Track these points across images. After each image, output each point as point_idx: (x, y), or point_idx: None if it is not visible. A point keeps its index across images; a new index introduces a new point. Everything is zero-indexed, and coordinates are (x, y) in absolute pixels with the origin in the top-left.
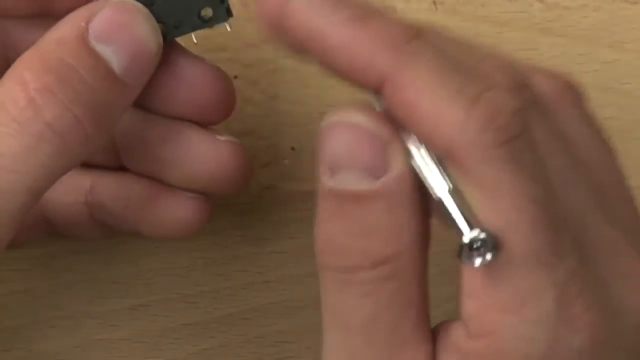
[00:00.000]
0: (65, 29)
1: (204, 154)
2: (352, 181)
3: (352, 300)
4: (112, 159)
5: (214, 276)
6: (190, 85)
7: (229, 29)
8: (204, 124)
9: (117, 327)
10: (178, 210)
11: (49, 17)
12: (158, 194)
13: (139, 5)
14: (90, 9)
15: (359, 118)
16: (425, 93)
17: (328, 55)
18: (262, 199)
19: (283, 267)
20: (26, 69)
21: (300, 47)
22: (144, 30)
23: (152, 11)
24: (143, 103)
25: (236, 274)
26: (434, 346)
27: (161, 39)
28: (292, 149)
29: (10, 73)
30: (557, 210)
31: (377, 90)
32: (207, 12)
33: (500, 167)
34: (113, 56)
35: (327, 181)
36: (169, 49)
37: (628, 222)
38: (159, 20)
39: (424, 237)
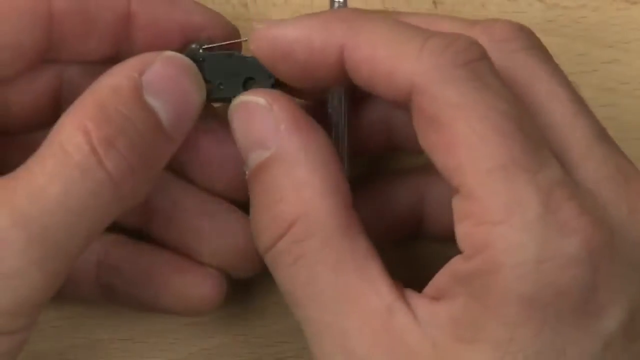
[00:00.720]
0: (120, 78)
1: (234, 228)
2: (255, 159)
3: (287, 273)
4: (135, 220)
5: None
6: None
7: None
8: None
9: (117, 327)
10: (201, 286)
11: (112, 63)
12: (182, 267)
13: (189, 61)
14: (143, 60)
15: (247, 100)
16: (379, 44)
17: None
18: None
19: None
20: (88, 119)
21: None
22: (192, 87)
23: (200, 68)
24: (184, 171)
25: None
26: (392, 295)
27: (205, 97)
28: None
29: (71, 118)
30: (529, 124)
31: (339, 65)
32: (252, 83)
33: (464, 86)
34: (162, 109)
35: (243, 157)
36: (207, 111)
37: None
38: (205, 79)
39: (337, 190)
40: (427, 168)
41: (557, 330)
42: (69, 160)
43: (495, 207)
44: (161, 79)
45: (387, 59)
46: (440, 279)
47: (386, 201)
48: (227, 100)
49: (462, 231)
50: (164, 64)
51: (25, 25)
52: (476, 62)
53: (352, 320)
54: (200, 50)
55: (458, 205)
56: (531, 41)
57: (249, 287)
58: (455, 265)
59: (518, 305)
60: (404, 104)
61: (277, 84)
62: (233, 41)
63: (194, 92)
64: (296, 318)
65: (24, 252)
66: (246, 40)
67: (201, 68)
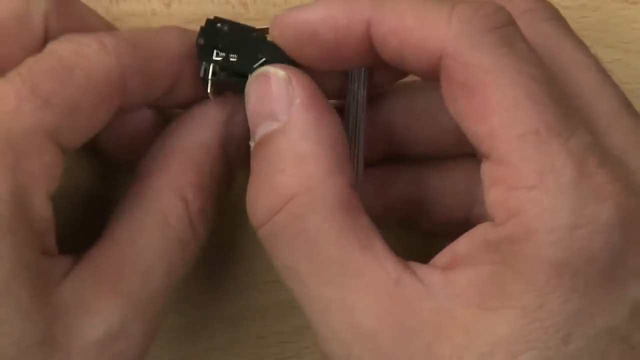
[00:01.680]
0: (209, 135)
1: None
2: (262, 130)
3: (287, 248)
4: None
5: (214, 276)
6: None
7: None
8: None
9: None
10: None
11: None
12: None
13: None
14: (227, 109)
15: (263, 74)
16: (406, 14)
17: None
18: None
19: None
20: (187, 186)
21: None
22: None
23: (214, 40)
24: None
25: (236, 275)
26: (399, 272)
27: None
28: None
29: (171, 183)
30: (559, 90)
31: (365, 42)
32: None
33: (494, 51)
34: (236, 156)
35: (251, 128)
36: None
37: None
38: (219, 48)
39: (341, 169)
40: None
41: (585, 296)
42: (172, 233)
43: (528, 172)
44: (240, 130)
45: (415, 28)
46: (460, 246)
47: (386, 186)
48: (230, 75)
49: (493, 197)
50: (244, 113)
51: (105, 102)
52: (505, 28)
53: (359, 295)
54: (218, 25)
55: (488, 171)
56: (553, 12)
57: (249, 287)
58: (481, 232)
59: (549, 271)
60: (432, 74)
61: None
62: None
63: None
64: (296, 295)
65: (142, 342)
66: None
67: (216, 39)
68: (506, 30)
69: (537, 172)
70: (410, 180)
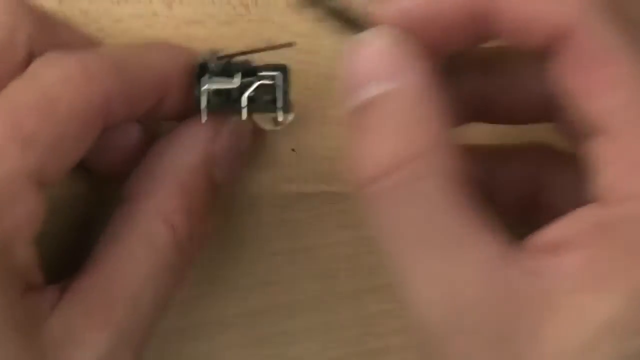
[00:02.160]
0: (196, 158)
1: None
2: (373, 90)
3: (395, 212)
4: None
5: (214, 277)
6: None
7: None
8: None
9: None
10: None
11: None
12: None
13: (249, 126)
14: (213, 131)
15: (369, 37)
16: None
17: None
18: (262, 199)
19: (283, 269)
20: (175, 212)
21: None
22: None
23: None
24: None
25: (236, 276)
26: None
27: None
28: (293, 150)
29: (158, 208)
30: None
31: (476, 18)
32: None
33: (623, 29)
34: (221, 176)
35: (351, 103)
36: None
37: None
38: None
39: (450, 138)
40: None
41: None
42: (160, 259)
43: None
44: (226, 151)
45: (535, 4)
46: (565, 229)
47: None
48: (223, 101)
49: (609, 177)
50: (229, 134)
51: (88, 129)
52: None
53: (464, 267)
54: (215, 61)
55: (604, 149)
56: None
57: (249, 288)
58: (590, 213)
59: None
60: (543, 47)
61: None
62: (248, 51)
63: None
64: (395, 263)
65: None
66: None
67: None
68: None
69: None
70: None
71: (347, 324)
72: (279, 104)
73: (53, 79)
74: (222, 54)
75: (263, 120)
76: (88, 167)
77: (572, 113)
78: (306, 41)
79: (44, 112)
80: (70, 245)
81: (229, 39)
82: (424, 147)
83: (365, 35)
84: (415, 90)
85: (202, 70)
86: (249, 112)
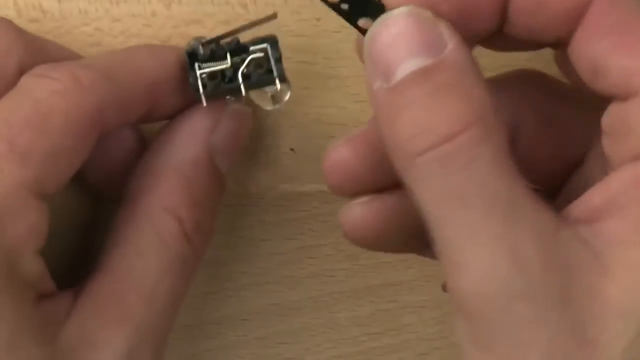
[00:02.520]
0: (197, 150)
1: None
2: (415, 65)
3: (454, 177)
4: None
5: (214, 277)
6: None
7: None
8: None
9: None
10: None
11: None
12: None
13: (248, 110)
14: (212, 119)
15: (396, 16)
16: None
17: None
18: (262, 199)
19: (282, 269)
20: (180, 205)
21: None
22: (247, 133)
23: (194, 62)
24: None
25: (236, 275)
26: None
27: None
28: (292, 149)
29: (163, 202)
30: None
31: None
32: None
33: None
34: (224, 164)
35: (387, 83)
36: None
37: None
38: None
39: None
40: None
41: None
42: (169, 253)
43: None
44: (227, 139)
45: None
46: (604, 193)
47: None
48: (219, 83)
49: None
50: (229, 120)
51: (83, 140)
52: None
53: (523, 231)
54: (200, 46)
55: (638, 108)
56: None
57: (249, 288)
58: (627, 173)
59: None
60: (561, 31)
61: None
62: (232, 31)
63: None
64: (449, 223)
65: None
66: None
67: (196, 61)
68: None
69: None
70: None
71: (346, 323)
72: (275, 72)
73: (45, 92)
74: (206, 39)
75: (262, 100)
76: (84, 180)
77: (600, 81)
78: (306, 41)
79: (37, 125)
80: (78, 249)
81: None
82: (478, 113)
83: (391, 15)
84: (458, 61)
85: (191, 58)
86: (247, 89)
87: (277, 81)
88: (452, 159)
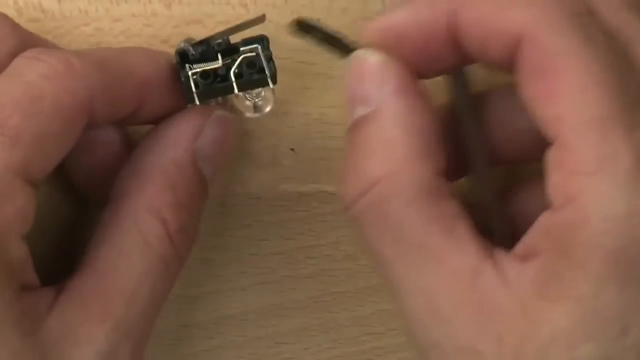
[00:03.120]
0: (181, 152)
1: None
2: (356, 114)
3: (373, 231)
4: None
5: (214, 277)
6: None
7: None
8: None
9: None
10: None
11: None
12: None
13: (232, 117)
14: (195, 123)
15: (353, 60)
16: (491, 3)
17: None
18: (262, 199)
19: (282, 269)
20: (164, 206)
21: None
22: (231, 140)
23: (186, 64)
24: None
25: (236, 275)
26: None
27: None
28: (292, 149)
29: (147, 204)
30: (631, 81)
31: (450, 38)
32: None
33: (572, 37)
34: (209, 171)
35: (348, 114)
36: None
37: None
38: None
39: (429, 156)
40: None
41: None
42: (153, 254)
43: (588, 158)
44: (211, 144)
45: (496, 13)
46: (529, 236)
47: None
48: (211, 83)
49: (553, 182)
50: (214, 126)
51: (72, 126)
52: (584, 16)
53: (439, 280)
54: (191, 47)
55: (552, 156)
56: (632, 1)
57: (248, 288)
58: (543, 219)
59: (604, 259)
60: (510, 63)
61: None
62: (221, 32)
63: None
64: (381, 276)
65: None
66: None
67: (187, 62)
68: (585, 19)
69: (597, 159)
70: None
71: (346, 323)
72: (267, 71)
73: (36, 75)
74: (197, 40)
75: (244, 108)
76: (71, 181)
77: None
78: (305, 41)
79: (28, 108)
80: (62, 249)
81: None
82: (390, 169)
83: (350, 59)
84: (390, 113)
85: (182, 59)
86: (240, 88)
87: (270, 80)
88: (369, 212)
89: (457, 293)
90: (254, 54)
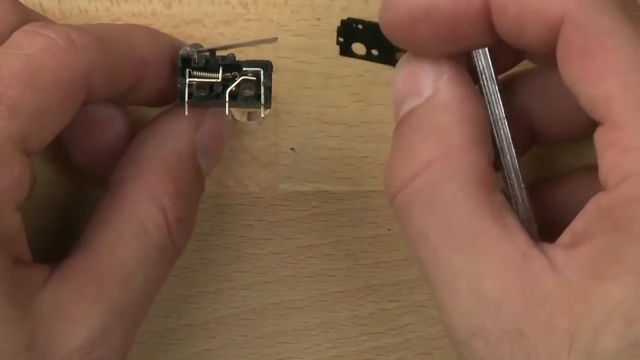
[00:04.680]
0: (181, 143)
1: None
2: (408, 106)
3: (421, 214)
4: None
5: (214, 277)
6: None
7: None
8: None
9: None
10: None
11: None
12: None
13: (227, 115)
14: (195, 117)
15: (401, 63)
16: None
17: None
18: (262, 199)
19: (282, 268)
20: (164, 195)
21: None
22: (227, 136)
23: (187, 67)
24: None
25: (236, 275)
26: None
27: None
28: (292, 149)
29: (148, 192)
30: None
31: (483, 16)
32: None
33: (617, 16)
34: (206, 165)
35: (395, 109)
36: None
37: None
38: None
39: (481, 144)
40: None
41: None
42: (150, 241)
43: None
44: (209, 138)
45: None
46: (577, 223)
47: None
48: (206, 96)
49: (606, 162)
50: (211, 121)
51: (71, 100)
52: None
53: (487, 265)
54: (196, 53)
55: (603, 136)
56: None
57: (248, 288)
58: (595, 202)
59: None
60: (548, 46)
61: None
62: (230, 45)
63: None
64: (424, 264)
65: (121, 348)
66: (238, 45)
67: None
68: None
69: None
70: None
71: (346, 323)
72: (262, 99)
73: (36, 48)
74: (204, 47)
75: (237, 112)
76: (74, 165)
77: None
78: (306, 41)
79: (27, 81)
80: (58, 229)
81: (228, 38)
82: (444, 152)
83: (400, 62)
84: (444, 100)
85: (184, 63)
86: (231, 107)
87: (262, 109)
88: (416, 199)
89: (505, 277)
90: (254, 78)
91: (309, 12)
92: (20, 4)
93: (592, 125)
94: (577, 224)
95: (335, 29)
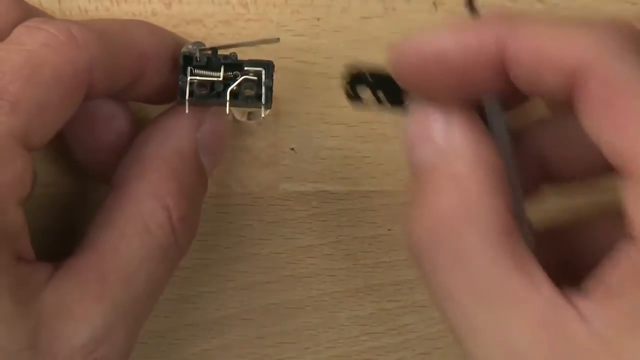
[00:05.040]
0: (184, 142)
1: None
2: (421, 153)
3: (442, 267)
4: None
5: (214, 277)
6: None
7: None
8: None
9: None
10: None
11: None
12: None
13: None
14: (197, 116)
15: (413, 111)
16: (542, 32)
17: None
18: (262, 199)
19: (283, 268)
20: (167, 194)
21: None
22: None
23: (187, 67)
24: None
25: (236, 275)
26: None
27: None
28: (292, 149)
29: (151, 190)
30: None
31: (497, 64)
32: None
33: (634, 63)
34: (208, 164)
35: (409, 157)
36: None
37: None
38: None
39: (498, 190)
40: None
41: None
42: (153, 240)
43: None
44: (211, 137)
45: (553, 43)
46: (610, 275)
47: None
48: (207, 95)
49: (635, 215)
50: (213, 121)
51: (72, 95)
52: None
53: (513, 317)
54: (198, 51)
55: (629, 188)
56: None
57: (250, 288)
58: (627, 256)
59: None
60: (563, 93)
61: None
62: (232, 45)
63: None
64: (448, 314)
65: (123, 347)
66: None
67: (190, 65)
68: None
69: None
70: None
71: (346, 323)
72: (263, 100)
73: (38, 44)
74: (206, 46)
75: (237, 112)
76: (78, 163)
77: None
78: (306, 41)
79: (29, 76)
80: (61, 228)
81: (228, 38)
82: (461, 203)
83: (410, 107)
84: (459, 148)
85: (186, 61)
86: (232, 106)
87: (263, 109)
88: (436, 251)
89: (533, 329)
90: (255, 78)
91: (309, 12)
92: (25, 2)
93: (607, 167)
94: (610, 277)
95: (335, 30)
